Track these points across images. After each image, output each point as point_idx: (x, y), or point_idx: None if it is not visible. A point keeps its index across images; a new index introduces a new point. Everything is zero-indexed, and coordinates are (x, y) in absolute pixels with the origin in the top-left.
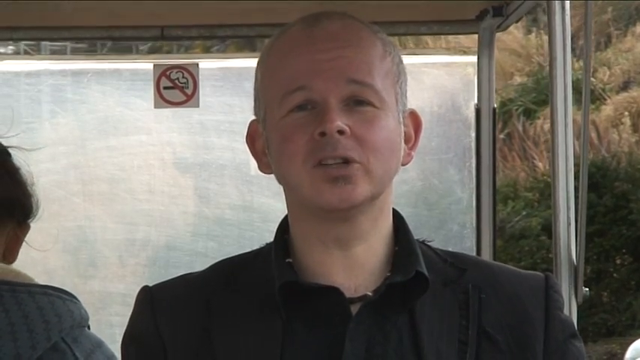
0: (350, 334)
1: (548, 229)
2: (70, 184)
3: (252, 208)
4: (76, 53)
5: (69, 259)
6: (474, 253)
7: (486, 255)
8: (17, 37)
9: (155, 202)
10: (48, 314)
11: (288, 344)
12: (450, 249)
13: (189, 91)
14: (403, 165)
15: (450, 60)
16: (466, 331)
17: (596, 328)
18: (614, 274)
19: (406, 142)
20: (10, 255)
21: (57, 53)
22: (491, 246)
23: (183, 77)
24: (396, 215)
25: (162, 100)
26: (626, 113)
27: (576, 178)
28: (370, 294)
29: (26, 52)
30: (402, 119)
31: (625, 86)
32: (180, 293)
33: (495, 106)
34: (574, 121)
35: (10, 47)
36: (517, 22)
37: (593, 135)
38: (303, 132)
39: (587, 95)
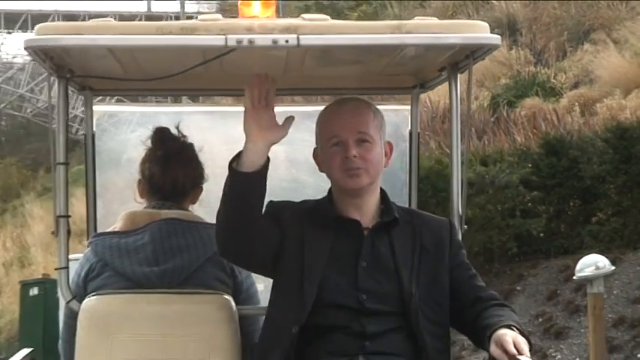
0: (364, 244)
1: (524, 182)
2: (211, 169)
3: (298, 181)
4: (207, 100)
5: (207, 209)
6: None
7: (414, 207)
8: (178, 94)
9: None
10: (212, 237)
11: (336, 246)
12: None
13: None
14: (384, 167)
15: (397, 107)
16: (415, 245)
17: (556, 249)
18: (569, 212)
19: (385, 156)
20: (192, 204)
21: (196, 100)
22: (416, 204)
23: None
24: (382, 190)
25: None
26: (577, 104)
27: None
28: (370, 227)
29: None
30: (383, 147)
31: (576, 85)
32: (290, 206)
33: (419, 131)
34: (540, 109)
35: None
36: (432, 89)
37: (554, 118)
38: (338, 156)
39: (468, 129)
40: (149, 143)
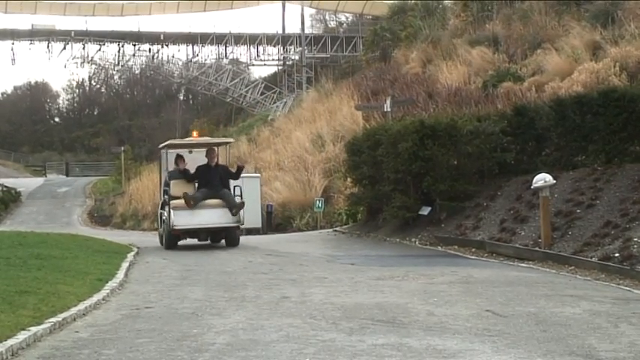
0: (212, 171)
1: (502, 131)
2: (187, 159)
3: (199, 161)
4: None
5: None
6: None
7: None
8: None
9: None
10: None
11: (208, 171)
12: None
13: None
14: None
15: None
16: (223, 171)
17: (521, 170)
18: (528, 149)
19: (218, 155)
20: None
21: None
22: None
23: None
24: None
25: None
26: (533, 86)
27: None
28: (213, 166)
29: None
30: (218, 154)
31: (533, 74)
32: (201, 166)
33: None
34: (511, 88)
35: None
36: (232, 146)
37: (520, 94)
38: (209, 155)
39: (227, 154)
40: (176, 156)
